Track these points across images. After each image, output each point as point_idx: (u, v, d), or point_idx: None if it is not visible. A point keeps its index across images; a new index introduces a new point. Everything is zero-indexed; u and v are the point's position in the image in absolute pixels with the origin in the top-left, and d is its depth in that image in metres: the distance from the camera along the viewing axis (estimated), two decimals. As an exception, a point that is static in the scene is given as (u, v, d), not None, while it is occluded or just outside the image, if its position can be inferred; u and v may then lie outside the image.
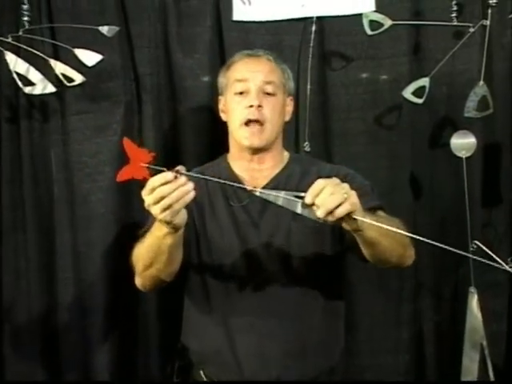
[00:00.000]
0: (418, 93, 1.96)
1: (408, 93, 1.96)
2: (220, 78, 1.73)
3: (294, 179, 1.68)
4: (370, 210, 1.49)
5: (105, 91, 2.02)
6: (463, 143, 1.94)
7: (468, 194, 1.94)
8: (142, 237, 1.55)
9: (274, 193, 1.32)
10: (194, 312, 1.66)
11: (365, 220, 1.33)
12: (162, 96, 2.06)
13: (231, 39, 2.03)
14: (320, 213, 1.29)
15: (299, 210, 1.31)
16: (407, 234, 1.35)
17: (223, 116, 1.72)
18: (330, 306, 1.64)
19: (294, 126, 2.03)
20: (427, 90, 1.96)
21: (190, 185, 1.32)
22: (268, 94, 1.65)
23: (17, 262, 2.05)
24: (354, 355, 2.06)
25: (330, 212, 1.30)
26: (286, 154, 1.74)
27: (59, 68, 1.95)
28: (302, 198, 1.31)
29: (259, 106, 1.62)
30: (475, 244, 1.89)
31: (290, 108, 1.74)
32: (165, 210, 1.32)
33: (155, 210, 1.33)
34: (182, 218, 1.37)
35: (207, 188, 1.67)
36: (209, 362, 1.61)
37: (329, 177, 1.36)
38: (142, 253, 1.52)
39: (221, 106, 1.72)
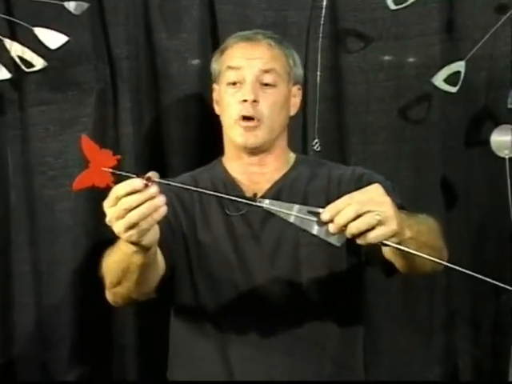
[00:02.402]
0: (451, 80, 1.94)
1: (439, 80, 1.94)
2: (213, 64, 1.74)
3: (300, 183, 1.68)
4: None
5: (72, 78, 1.99)
6: (506, 141, 1.94)
7: (512, 201, 1.97)
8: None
9: (284, 207, 1.25)
10: (184, 339, 1.66)
11: (403, 249, 1.25)
12: (141, 84, 2.04)
13: (225, 15, 2.01)
14: (333, 229, 1.22)
15: (315, 230, 1.24)
16: (441, 262, 1.29)
17: (217, 108, 1.72)
18: (346, 334, 1.64)
19: (301, 120, 2.02)
20: (462, 76, 1.94)
21: (162, 198, 1.24)
22: (266, 85, 1.64)
23: (-36, 284, 2.03)
24: (375, 394, 2.05)
25: (358, 235, 1.22)
26: (292, 155, 1.75)
27: (16, 50, 1.92)
28: (319, 214, 1.23)
29: (254, 101, 1.62)
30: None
31: (297, 99, 1.73)
32: (130, 228, 1.24)
33: (118, 228, 1.25)
34: (151, 238, 1.29)
35: (200, 194, 1.66)
36: None
37: (349, 186, 1.35)
38: (110, 268, 1.48)
39: (215, 96, 1.72)
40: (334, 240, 1.25)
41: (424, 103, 2.01)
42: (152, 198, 1.22)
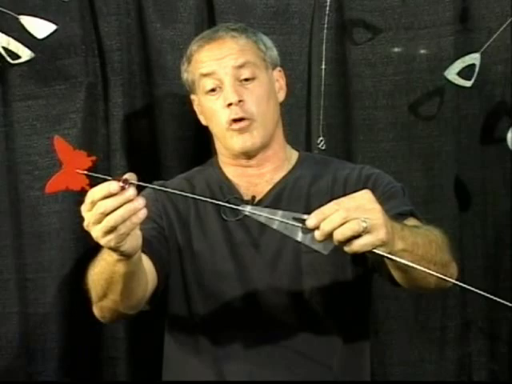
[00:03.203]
0: (465, 73, 1.93)
1: (453, 73, 1.93)
2: (184, 75, 1.73)
3: (302, 185, 1.66)
4: (400, 216, 1.47)
5: (60, 71, 1.97)
6: (525, 138, 1.97)
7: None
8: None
9: (266, 213, 1.25)
10: (178, 353, 1.65)
11: (392, 258, 1.25)
12: (134, 77, 2.02)
13: (223, 4, 1.99)
14: (319, 235, 1.22)
15: (299, 237, 1.24)
16: (446, 278, 1.31)
17: (202, 119, 1.72)
18: (352, 349, 1.62)
19: (304, 117, 2.01)
20: (477, 69, 1.92)
21: (141, 201, 1.22)
22: (246, 79, 1.63)
23: None
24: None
25: (344, 242, 1.22)
26: (294, 153, 1.73)
27: (0, 40, 1.90)
28: (304, 220, 1.24)
29: (240, 101, 1.60)
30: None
31: (281, 82, 1.71)
32: (108, 232, 1.22)
33: (96, 232, 1.24)
34: (132, 244, 1.27)
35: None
36: None
37: (345, 193, 1.33)
38: (94, 280, 1.47)
39: (196, 108, 1.72)
40: (320, 247, 1.24)
41: (436, 98, 2.00)
42: (129, 200, 1.21)
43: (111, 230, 1.22)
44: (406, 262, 1.26)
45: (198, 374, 1.60)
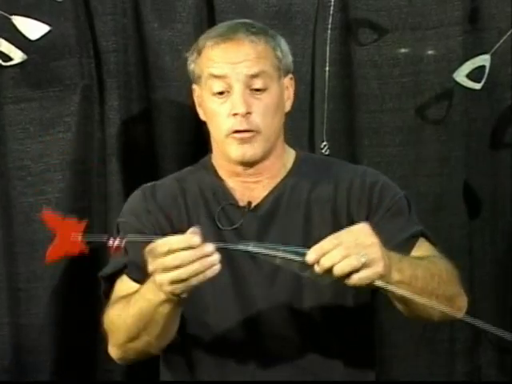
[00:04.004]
0: (474, 75, 1.93)
1: (461, 75, 1.93)
2: (190, 65, 1.67)
3: (301, 190, 1.63)
4: (411, 239, 1.52)
5: (54, 73, 1.97)
6: (537, 143, 2.00)
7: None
8: (108, 283, 1.56)
9: (269, 249, 1.33)
10: (176, 372, 1.62)
11: (391, 289, 1.32)
12: (130, 79, 2.02)
13: (223, 3, 1.99)
14: (319, 270, 1.28)
15: (298, 269, 1.32)
16: (447, 310, 1.37)
17: (200, 112, 1.68)
18: (355, 366, 1.60)
19: (307, 121, 2.01)
20: (487, 71, 1.92)
21: (216, 256, 1.30)
22: (257, 90, 1.59)
23: None
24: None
25: (343, 276, 1.29)
26: (291, 153, 1.69)
27: None
28: (304, 254, 1.31)
29: (247, 113, 1.57)
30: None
31: (290, 91, 1.67)
32: (177, 282, 1.31)
33: (162, 279, 1.31)
34: (191, 289, 1.36)
35: (185, 203, 1.61)
36: None
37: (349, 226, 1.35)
38: (127, 321, 1.47)
39: (196, 99, 1.66)
40: (320, 279, 1.30)
41: (444, 101, 1.99)
42: (207, 256, 1.29)
43: (181, 281, 1.29)
44: (404, 293, 1.32)
45: None
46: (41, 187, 1.96)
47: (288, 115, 1.68)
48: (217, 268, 1.30)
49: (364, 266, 1.27)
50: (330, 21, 1.95)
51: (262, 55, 1.59)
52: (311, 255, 1.28)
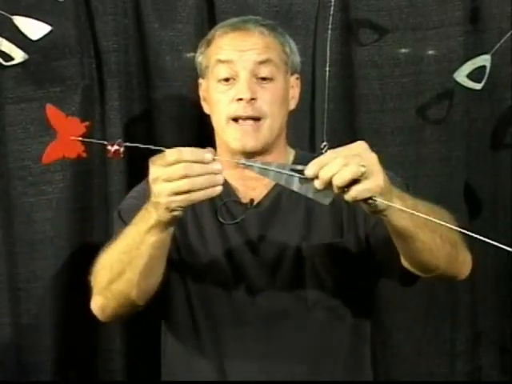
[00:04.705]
0: (475, 75, 1.92)
1: (462, 75, 1.92)
2: (198, 58, 1.70)
3: None
4: None
5: (55, 73, 1.97)
6: (538, 143, 1.99)
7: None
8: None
9: (259, 164, 1.31)
10: (178, 358, 1.64)
11: (391, 204, 1.28)
12: (131, 79, 2.02)
13: (223, 3, 1.99)
14: (319, 184, 1.26)
15: (297, 187, 1.29)
16: (456, 228, 1.29)
17: (205, 106, 1.70)
18: (356, 348, 1.63)
19: (308, 121, 2.01)
20: (488, 71, 1.91)
21: (221, 177, 1.29)
22: (263, 78, 1.61)
23: None
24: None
25: (343, 189, 1.25)
26: (291, 152, 1.72)
27: None
28: (302, 171, 1.28)
29: (252, 99, 1.58)
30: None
31: (296, 90, 1.69)
32: (177, 194, 1.28)
33: (163, 188, 1.29)
34: (183, 214, 1.34)
35: None
36: None
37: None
38: (112, 257, 1.47)
39: (202, 93, 1.68)
40: (319, 197, 1.27)
41: (445, 101, 1.99)
42: (214, 173, 1.28)
43: (181, 193, 1.27)
44: (408, 210, 1.27)
45: (200, 377, 1.61)
46: (41, 187, 1.97)
47: (291, 114, 1.68)
48: (219, 189, 1.29)
49: (364, 177, 1.24)
50: (331, 21, 1.95)
51: (271, 46, 1.61)
52: (310, 169, 1.26)
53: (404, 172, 1.95)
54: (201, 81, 1.68)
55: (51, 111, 1.31)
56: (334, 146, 1.91)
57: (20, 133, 1.97)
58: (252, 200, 1.58)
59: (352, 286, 1.60)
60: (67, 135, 1.30)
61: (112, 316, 1.54)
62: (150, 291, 1.49)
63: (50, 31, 1.86)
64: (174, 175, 1.27)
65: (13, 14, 1.86)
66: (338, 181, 1.23)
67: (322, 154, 1.87)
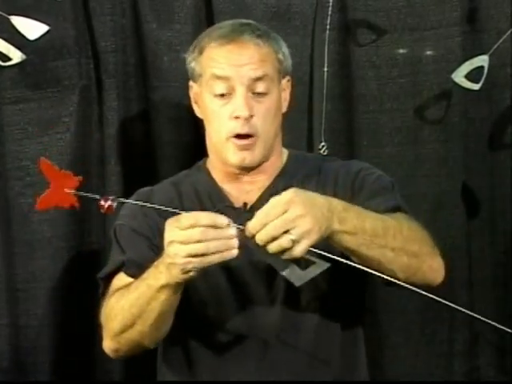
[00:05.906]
0: (473, 76, 1.93)
1: (460, 76, 1.93)
2: (190, 62, 1.66)
3: (294, 186, 1.58)
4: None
5: (53, 73, 1.98)
6: (536, 144, 1.99)
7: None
8: (105, 282, 1.56)
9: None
10: (176, 370, 1.63)
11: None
12: (129, 80, 2.03)
13: (221, 4, 2.00)
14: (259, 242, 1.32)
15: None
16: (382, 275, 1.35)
17: (196, 110, 1.67)
18: (349, 349, 1.63)
19: (306, 121, 2.02)
20: (486, 71, 1.92)
21: (236, 242, 1.33)
22: (259, 93, 1.59)
23: None
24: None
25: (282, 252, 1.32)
26: (285, 153, 1.70)
27: None
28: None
29: (250, 116, 1.58)
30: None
31: (287, 92, 1.67)
32: (193, 256, 1.33)
33: (179, 250, 1.33)
34: (197, 274, 1.38)
35: (182, 206, 1.60)
36: None
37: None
38: (124, 306, 1.48)
39: (192, 95, 1.66)
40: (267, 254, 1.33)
41: (443, 102, 2.00)
42: (229, 238, 1.32)
43: (197, 256, 1.31)
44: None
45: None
46: (39, 188, 1.79)
47: (285, 116, 1.68)
48: (235, 252, 1.32)
49: (295, 242, 1.30)
50: (329, 21, 1.96)
51: (266, 58, 1.60)
52: (248, 231, 1.31)
53: (402, 172, 1.97)
54: (192, 83, 1.66)
55: (45, 164, 1.37)
56: (332, 146, 1.96)
57: (18, 133, 1.97)
58: (245, 204, 1.57)
59: (344, 286, 1.59)
60: (61, 187, 1.36)
61: (125, 356, 1.58)
62: (162, 337, 1.53)
63: (48, 31, 1.87)
64: (191, 239, 1.31)
65: (10, 14, 1.86)
66: (272, 251, 1.30)
67: (320, 154, 1.94)
